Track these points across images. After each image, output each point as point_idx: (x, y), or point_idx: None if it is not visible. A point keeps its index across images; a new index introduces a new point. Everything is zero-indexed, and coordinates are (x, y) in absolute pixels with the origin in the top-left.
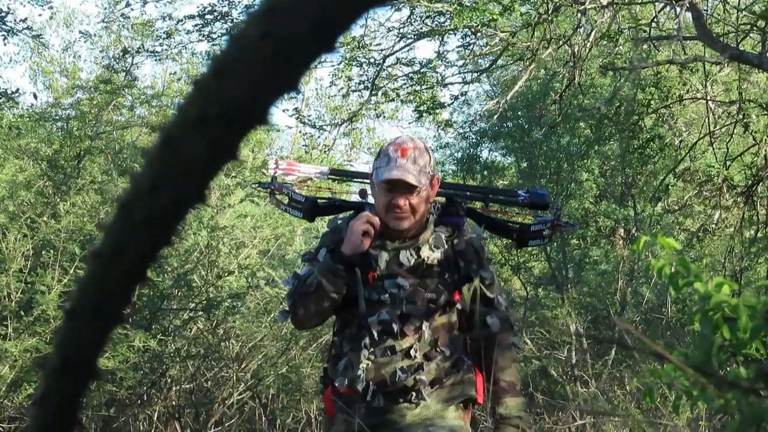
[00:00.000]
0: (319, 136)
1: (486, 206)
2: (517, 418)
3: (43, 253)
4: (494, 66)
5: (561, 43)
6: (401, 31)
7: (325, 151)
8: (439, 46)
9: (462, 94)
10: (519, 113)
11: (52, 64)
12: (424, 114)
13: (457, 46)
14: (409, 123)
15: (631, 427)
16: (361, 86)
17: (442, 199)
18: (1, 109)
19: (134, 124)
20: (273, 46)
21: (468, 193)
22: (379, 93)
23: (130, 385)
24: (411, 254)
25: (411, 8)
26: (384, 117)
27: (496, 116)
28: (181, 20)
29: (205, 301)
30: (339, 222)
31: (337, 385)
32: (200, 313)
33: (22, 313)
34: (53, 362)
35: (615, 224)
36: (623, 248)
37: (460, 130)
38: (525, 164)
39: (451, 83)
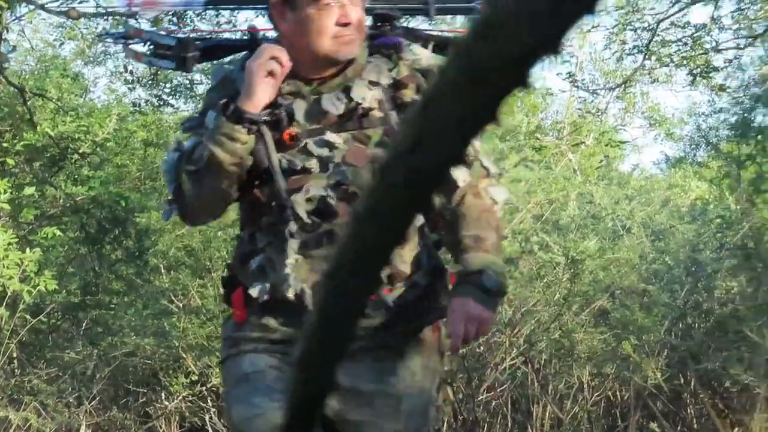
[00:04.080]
0: (592, 100)
1: (431, 19)
2: (476, 274)
3: None
4: None
5: None
6: None
7: (598, 115)
8: (714, 11)
9: (736, 59)
10: None
11: None
12: (698, 78)
13: (732, 11)
14: (683, 87)
15: None
16: (635, 50)
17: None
18: None
19: None
20: (534, 7)
21: (403, 5)
22: (653, 58)
23: None
24: (339, 98)
25: None
26: (658, 81)
27: None
28: None
29: None
30: (229, 69)
31: (254, 295)
32: None
33: None
34: (312, 322)
35: None
36: None
37: (734, 95)
38: None
39: (725, 48)
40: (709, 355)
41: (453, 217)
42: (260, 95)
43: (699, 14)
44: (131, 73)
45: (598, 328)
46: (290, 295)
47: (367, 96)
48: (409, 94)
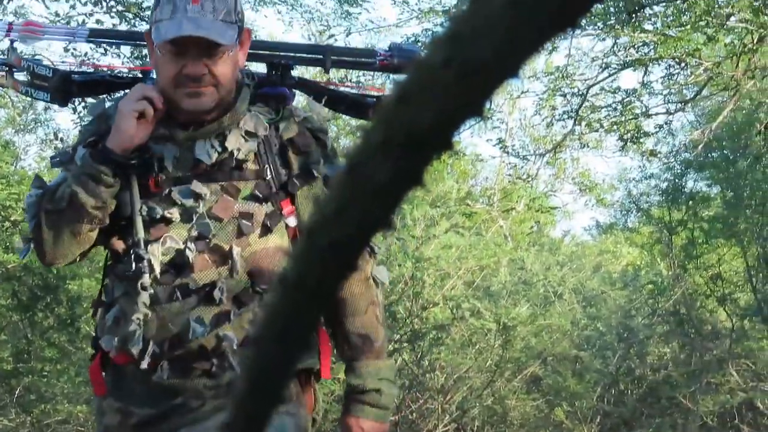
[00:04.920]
0: (523, 166)
1: (327, 71)
2: (374, 393)
3: None
4: (698, 96)
5: (767, 73)
6: (605, 61)
7: (528, 181)
8: (644, 76)
9: (666, 124)
10: (724, 143)
11: None
12: (629, 143)
13: (662, 76)
14: (614, 152)
15: None
16: (565, 116)
17: (260, 66)
18: None
19: None
20: (456, 72)
21: (299, 55)
22: (583, 123)
23: (334, 418)
24: (213, 146)
25: (615, 38)
26: (588, 147)
27: (700, 146)
28: None
29: (410, 333)
30: (107, 106)
31: (104, 347)
32: (405, 344)
33: None
34: (240, 388)
35: None
36: None
37: (665, 160)
38: (730, 194)
39: (656, 113)
40: (641, 421)
41: (337, 306)
42: (129, 137)
43: (629, 79)
44: (61, 140)
45: (530, 395)
46: (134, 351)
47: (242, 147)
48: (294, 156)
